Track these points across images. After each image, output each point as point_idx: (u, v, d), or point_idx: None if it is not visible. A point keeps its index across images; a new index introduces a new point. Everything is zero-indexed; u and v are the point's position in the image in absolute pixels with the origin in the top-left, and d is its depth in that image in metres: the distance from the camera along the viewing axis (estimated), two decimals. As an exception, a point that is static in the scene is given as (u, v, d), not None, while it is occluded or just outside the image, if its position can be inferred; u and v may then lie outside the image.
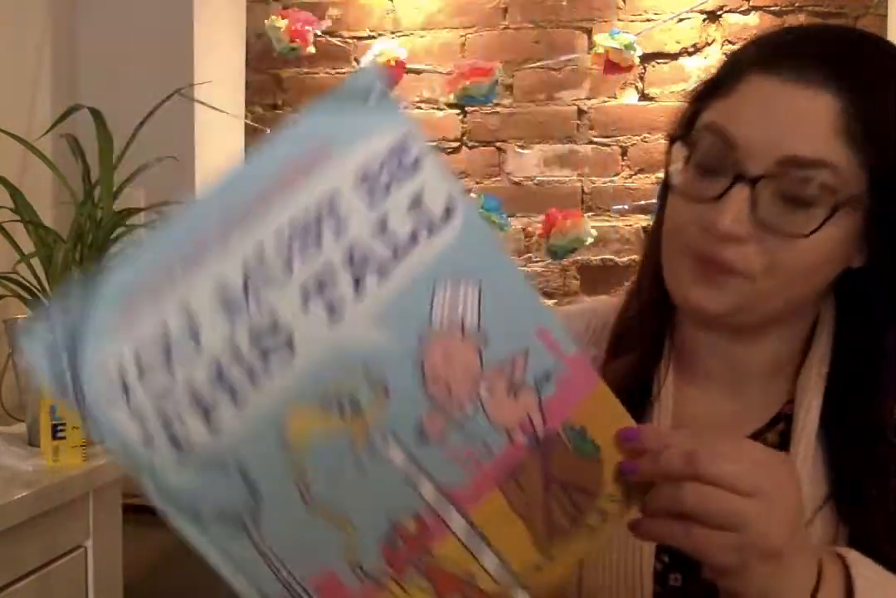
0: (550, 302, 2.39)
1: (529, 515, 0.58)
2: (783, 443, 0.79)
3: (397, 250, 0.51)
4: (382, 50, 2.12)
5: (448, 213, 0.51)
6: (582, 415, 0.59)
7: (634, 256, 2.33)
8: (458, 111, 2.40)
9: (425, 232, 0.51)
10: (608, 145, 2.35)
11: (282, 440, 0.51)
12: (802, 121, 0.69)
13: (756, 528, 0.57)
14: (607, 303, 0.90)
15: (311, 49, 2.19)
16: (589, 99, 2.35)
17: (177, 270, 0.49)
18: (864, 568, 0.65)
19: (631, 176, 2.34)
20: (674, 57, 2.30)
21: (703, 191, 0.72)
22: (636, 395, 0.80)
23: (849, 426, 0.76)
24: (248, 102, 2.49)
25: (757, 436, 0.80)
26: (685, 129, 0.76)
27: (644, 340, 0.83)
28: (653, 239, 0.81)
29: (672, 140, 0.75)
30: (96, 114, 1.63)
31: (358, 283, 0.50)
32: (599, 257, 2.35)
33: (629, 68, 2.10)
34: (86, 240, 1.60)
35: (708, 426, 0.81)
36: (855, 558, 0.66)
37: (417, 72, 2.33)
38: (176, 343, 0.49)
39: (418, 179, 0.50)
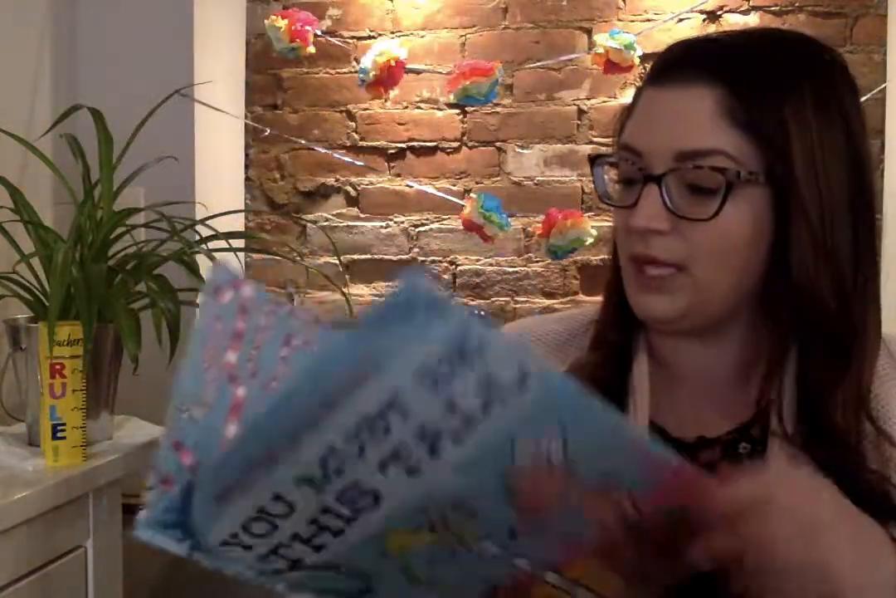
0: (550, 302, 2.39)
1: (623, 570, 0.60)
2: (762, 441, 0.81)
3: (470, 421, 0.51)
4: (382, 50, 2.12)
5: (522, 381, 0.50)
6: (679, 501, 0.59)
7: (634, 256, 2.33)
8: (458, 111, 2.40)
9: (498, 403, 0.51)
10: (608, 145, 2.34)
11: (381, 551, 0.56)
12: (686, 117, 0.77)
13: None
14: (590, 309, 0.94)
15: (311, 49, 2.19)
16: (589, 99, 2.35)
17: (260, 470, 0.53)
18: None
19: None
20: (674, 57, 2.30)
21: (626, 200, 0.81)
22: (613, 387, 0.84)
23: (824, 423, 0.78)
24: (248, 102, 2.49)
25: (740, 431, 0.83)
26: (591, 163, 0.86)
27: (613, 342, 0.87)
28: (612, 248, 0.88)
29: (592, 159, 0.85)
30: (96, 114, 1.63)
31: (433, 449, 0.51)
32: (599, 257, 2.35)
33: (629, 68, 2.10)
34: (86, 240, 1.60)
35: (683, 425, 0.84)
36: None
37: (417, 72, 2.33)
38: (274, 516, 0.55)
39: (482, 363, 0.50)
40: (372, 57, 2.12)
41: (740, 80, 0.76)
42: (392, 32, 2.41)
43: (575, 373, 0.86)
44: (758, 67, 0.78)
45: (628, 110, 0.85)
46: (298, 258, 2.33)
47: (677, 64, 0.80)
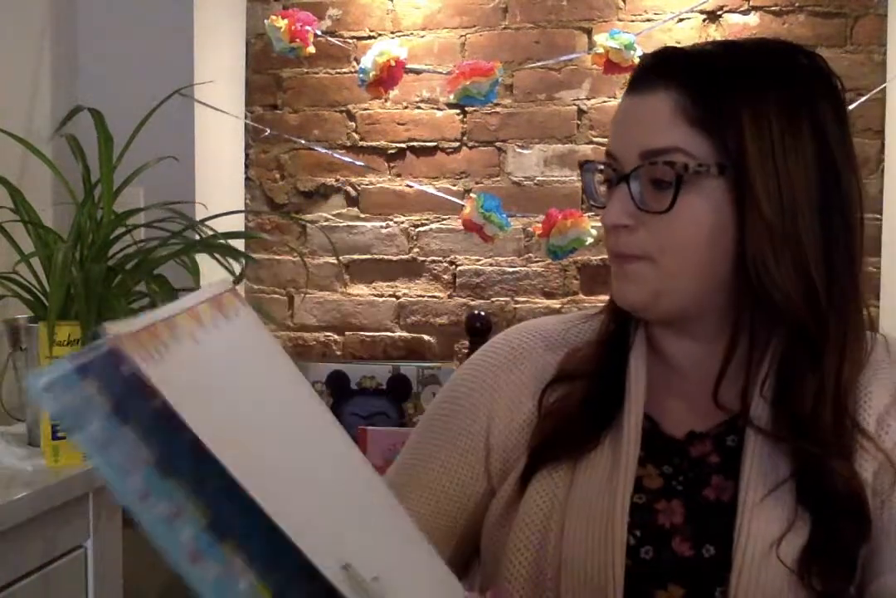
0: (550, 302, 2.39)
1: None
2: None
3: None
4: (382, 50, 2.12)
5: None
6: None
7: (634, 256, 2.33)
8: (458, 111, 2.41)
9: None
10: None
11: None
12: (648, 119, 0.82)
13: None
14: (596, 309, 0.98)
15: (311, 49, 2.19)
16: (589, 99, 2.35)
17: None
18: None
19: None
20: (674, 57, 2.30)
21: (606, 201, 0.87)
22: (608, 376, 0.89)
23: (797, 415, 0.82)
24: (248, 102, 2.49)
25: (728, 424, 0.87)
26: (581, 170, 0.92)
27: (612, 332, 0.92)
28: None
29: (581, 165, 0.90)
30: (96, 114, 1.64)
31: None
32: (599, 257, 2.35)
33: (629, 68, 2.10)
34: (86, 240, 1.60)
35: (675, 419, 0.89)
36: None
37: (417, 72, 2.33)
38: None
39: None
40: (372, 57, 2.13)
41: (697, 81, 0.81)
42: (392, 32, 2.41)
43: (571, 364, 0.91)
44: (718, 70, 0.82)
45: (612, 121, 0.90)
46: (298, 258, 2.34)
47: (646, 72, 0.85)
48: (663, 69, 0.83)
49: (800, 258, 0.80)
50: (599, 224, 2.45)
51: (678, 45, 0.90)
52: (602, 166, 0.87)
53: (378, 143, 2.45)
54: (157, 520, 0.54)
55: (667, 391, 0.89)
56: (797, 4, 2.25)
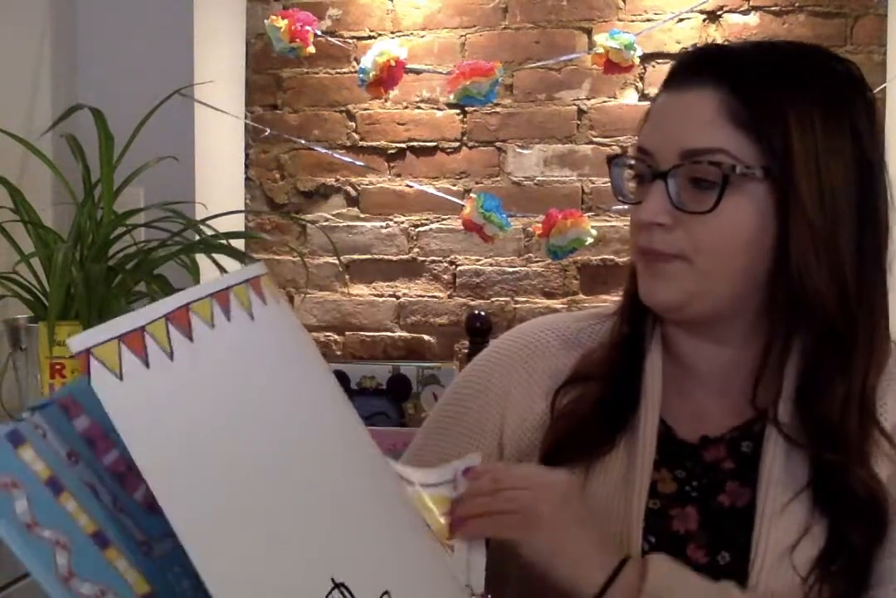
0: (550, 302, 2.39)
1: None
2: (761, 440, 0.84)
3: None
4: (382, 50, 2.12)
5: None
6: None
7: (634, 256, 2.33)
8: (458, 111, 2.40)
9: None
10: (608, 145, 2.35)
11: None
12: (690, 117, 0.81)
13: (526, 507, 0.74)
14: (610, 307, 0.97)
15: (311, 49, 2.19)
16: (589, 99, 2.35)
17: None
18: (661, 563, 0.76)
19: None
20: (674, 57, 2.29)
21: (636, 197, 0.86)
22: (623, 380, 0.88)
23: (821, 420, 0.82)
24: (248, 102, 2.49)
25: (742, 429, 0.86)
26: (609, 164, 0.92)
27: (626, 334, 0.91)
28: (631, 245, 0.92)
29: (609, 159, 0.91)
30: (97, 114, 1.63)
31: None
32: (599, 257, 2.35)
33: (629, 68, 2.10)
34: (86, 240, 1.60)
35: (689, 423, 0.88)
36: (657, 556, 0.77)
37: (417, 72, 2.33)
38: None
39: None
40: (372, 57, 2.12)
41: (744, 82, 0.80)
42: (392, 32, 2.41)
43: (585, 366, 0.90)
44: (764, 71, 0.81)
45: (645, 115, 0.88)
46: (298, 258, 2.34)
47: (688, 69, 0.84)
48: (708, 67, 0.82)
49: (836, 260, 0.80)
50: (599, 224, 2.45)
51: (718, 43, 0.88)
52: (633, 162, 0.87)
53: (378, 143, 2.45)
54: None
55: (680, 395, 0.88)
56: (797, 4, 2.25)
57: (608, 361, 0.89)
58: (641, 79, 2.32)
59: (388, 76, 2.12)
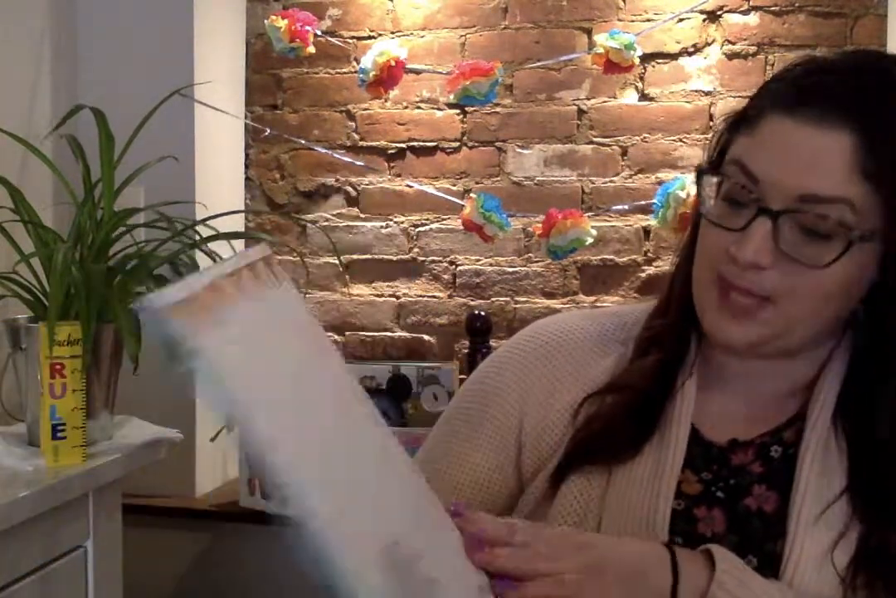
0: (550, 302, 2.39)
1: None
2: (797, 442, 0.83)
3: None
4: (382, 50, 2.12)
5: None
6: None
7: (634, 257, 2.33)
8: (458, 111, 2.40)
9: None
10: (608, 145, 2.35)
11: None
12: (820, 159, 0.74)
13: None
14: (630, 309, 0.95)
15: (311, 49, 2.19)
16: (589, 99, 2.35)
17: None
18: (726, 561, 0.74)
19: (631, 176, 2.34)
20: (674, 57, 2.29)
21: (729, 221, 0.78)
22: (658, 392, 0.85)
23: (862, 427, 0.80)
24: (248, 102, 2.49)
25: (773, 434, 0.85)
26: (716, 159, 0.81)
27: (671, 346, 0.87)
28: (684, 255, 0.86)
29: (701, 172, 0.81)
30: (98, 113, 1.63)
31: None
32: (599, 257, 2.35)
33: (629, 68, 2.10)
34: (86, 240, 1.60)
35: (717, 426, 0.86)
36: (719, 549, 0.75)
37: (417, 72, 2.33)
38: None
39: None
40: (372, 57, 2.13)
41: (875, 132, 0.74)
42: (392, 32, 2.41)
43: (622, 378, 0.87)
44: (890, 115, 0.76)
45: (742, 124, 0.81)
46: (298, 258, 2.34)
47: (814, 99, 0.76)
48: (838, 104, 0.75)
49: None
50: (599, 224, 2.44)
51: (848, 67, 0.79)
52: (727, 179, 0.78)
53: (378, 143, 2.45)
54: None
55: (710, 398, 0.87)
56: (797, 4, 2.25)
57: (647, 374, 0.86)
58: (641, 79, 2.31)
59: (388, 76, 2.12)
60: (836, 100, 0.75)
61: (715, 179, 0.80)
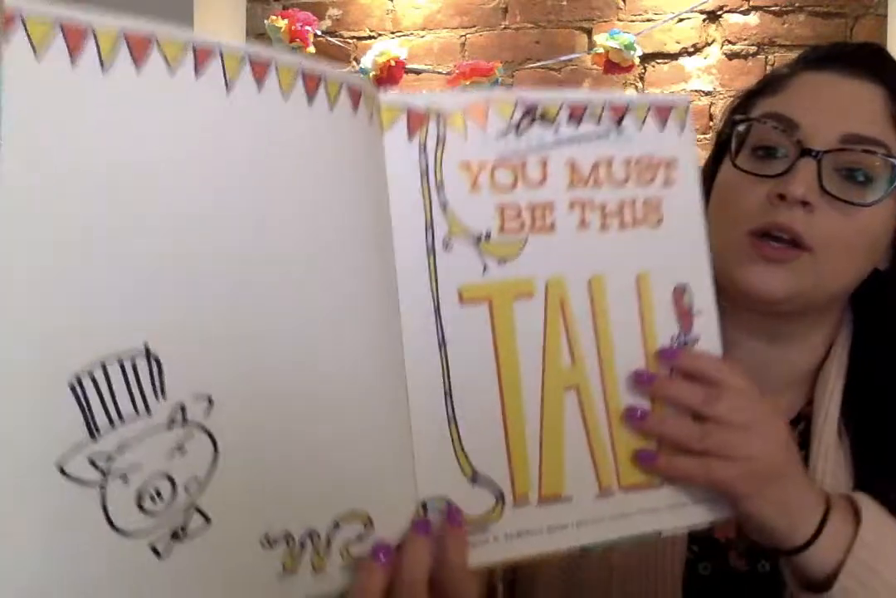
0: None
1: None
2: (804, 441, 0.81)
3: None
4: (382, 50, 2.13)
5: None
6: None
7: (634, 256, 2.34)
8: (458, 111, 2.41)
9: None
10: (608, 145, 2.35)
11: None
12: (858, 103, 0.76)
13: (753, 458, 0.64)
14: None
15: (311, 49, 2.20)
16: (589, 99, 2.35)
17: None
18: (869, 504, 0.69)
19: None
20: (674, 57, 2.30)
21: (765, 169, 0.76)
22: None
23: (868, 424, 0.79)
24: (248, 102, 2.49)
25: None
26: (732, 125, 0.81)
27: None
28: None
29: (734, 123, 0.80)
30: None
31: None
32: (599, 257, 2.35)
33: (629, 68, 2.10)
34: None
35: None
36: (861, 496, 0.70)
37: (417, 72, 2.33)
38: None
39: None
40: (372, 57, 2.13)
41: None
42: (392, 32, 2.41)
43: None
44: None
45: (764, 87, 0.82)
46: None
47: (843, 57, 0.79)
48: (868, 62, 0.78)
49: None
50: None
51: (879, 45, 0.84)
52: (762, 129, 0.78)
53: (378, 143, 2.45)
54: None
55: None
56: (797, 4, 2.25)
57: None
58: (641, 79, 2.32)
59: (388, 76, 2.13)
60: (861, 59, 0.79)
61: (742, 127, 0.79)
